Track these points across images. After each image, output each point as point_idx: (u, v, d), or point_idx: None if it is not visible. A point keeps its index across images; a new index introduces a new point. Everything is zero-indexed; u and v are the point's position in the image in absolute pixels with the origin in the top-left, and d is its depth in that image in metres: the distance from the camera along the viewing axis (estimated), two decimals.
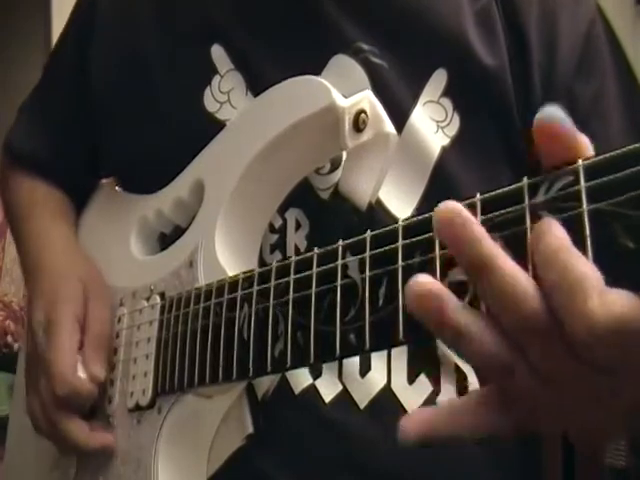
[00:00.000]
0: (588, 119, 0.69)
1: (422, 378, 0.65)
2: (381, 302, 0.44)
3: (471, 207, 0.40)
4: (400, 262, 0.43)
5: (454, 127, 0.67)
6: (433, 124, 0.67)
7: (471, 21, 0.69)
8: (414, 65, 0.67)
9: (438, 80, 0.67)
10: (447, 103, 0.67)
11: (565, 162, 0.37)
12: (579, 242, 0.35)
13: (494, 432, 0.39)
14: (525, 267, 0.36)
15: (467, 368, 0.66)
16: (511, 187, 0.38)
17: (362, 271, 0.45)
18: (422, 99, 0.67)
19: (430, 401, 0.64)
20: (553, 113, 0.37)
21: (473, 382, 0.66)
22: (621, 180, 0.34)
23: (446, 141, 0.66)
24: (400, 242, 0.43)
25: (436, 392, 0.65)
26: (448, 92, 0.67)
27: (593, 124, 0.69)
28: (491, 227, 0.39)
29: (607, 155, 0.35)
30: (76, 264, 0.75)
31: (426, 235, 0.42)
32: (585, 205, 0.35)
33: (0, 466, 0.92)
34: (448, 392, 0.65)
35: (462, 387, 0.66)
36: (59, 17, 1.85)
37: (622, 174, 0.34)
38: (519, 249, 0.37)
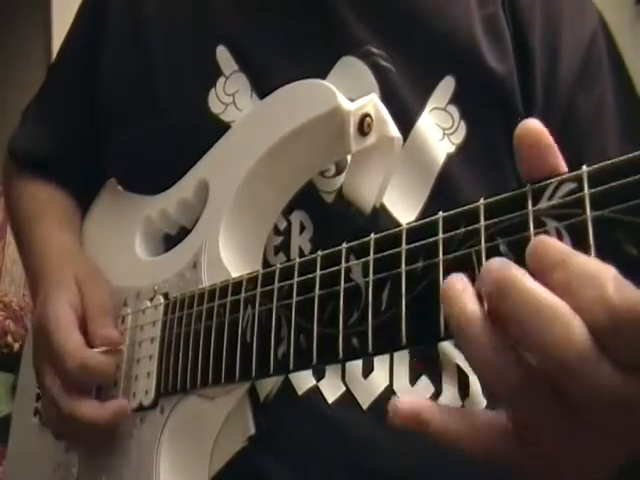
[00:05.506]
0: (588, 128, 0.69)
1: (424, 379, 0.65)
2: (384, 306, 0.44)
3: (474, 212, 0.40)
4: (403, 266, 0.43)
5: (460, 135, 0.67)
6: (439, 131, 0.67)
7: (480, 27, 0.69)
8: (423, 71, 0.67)
9: (446, 87, 0.67)
10: (454, 110, 0.67)
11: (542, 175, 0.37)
12: (583, 249, 0.35)
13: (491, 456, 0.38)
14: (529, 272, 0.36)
15: (469, 369, 0.66)
16: (514, 192, 0.38)
17: (365, 275, 0.45)
18: (429, 106, 0.67)
19: None
20: (537, 123, 0.37)
21: (475, 383, 0.66)
22: (625, 187, 0.34)
23: (452, 148, 0.66)
24: (404, 246, 0.43)
25: (438, 393, 0.65)
26: (455, 99, 0.67)
27: (593, 133, 0.69)
28: (494, 233, 0.39)
29: (611, 162, 0.35)
30: (72, 263, 0.74)
31: (430, 239, 0.42)
32: (589, 212, 0.35)
33: (2, 465, 0.92)
34: (450, 393, 0.65)
35: (464, 388, 0.66)
36: (59, 17, 1.85)
37: (626, 181, 0.34)
38: (522, 255, 0.37)
